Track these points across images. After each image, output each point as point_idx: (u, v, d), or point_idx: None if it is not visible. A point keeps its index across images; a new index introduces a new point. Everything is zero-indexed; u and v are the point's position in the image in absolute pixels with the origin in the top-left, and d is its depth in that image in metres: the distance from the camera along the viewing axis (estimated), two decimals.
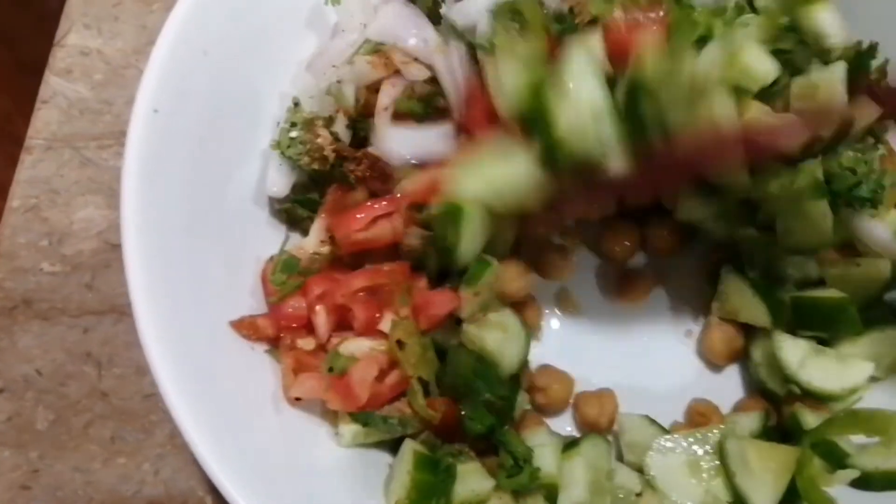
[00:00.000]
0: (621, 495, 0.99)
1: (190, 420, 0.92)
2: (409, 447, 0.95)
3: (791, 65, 0.98)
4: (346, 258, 1.04)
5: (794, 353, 1.02)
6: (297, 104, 1.10)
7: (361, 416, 0.96)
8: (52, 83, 1.37)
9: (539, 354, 1.16)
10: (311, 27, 1.18)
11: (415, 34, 1.08)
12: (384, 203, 1.01)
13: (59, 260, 1.27)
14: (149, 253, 0.97)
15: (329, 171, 1.06)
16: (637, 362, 1.16)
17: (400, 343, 0.94)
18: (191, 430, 0.91)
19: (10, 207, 1.30)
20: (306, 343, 1.00)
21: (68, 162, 1.32)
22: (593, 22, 0.94)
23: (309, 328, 1.02)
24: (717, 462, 1.00)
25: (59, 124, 1.34)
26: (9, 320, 1.24)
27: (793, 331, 1.05)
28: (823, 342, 1.05)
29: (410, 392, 0.96)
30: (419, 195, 0.99)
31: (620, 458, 1.08)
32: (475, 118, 0.99)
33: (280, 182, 1.10)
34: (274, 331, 1.01)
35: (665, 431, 1.06)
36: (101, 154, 1.33)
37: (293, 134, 1.07)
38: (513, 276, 1.06)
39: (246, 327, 1.00)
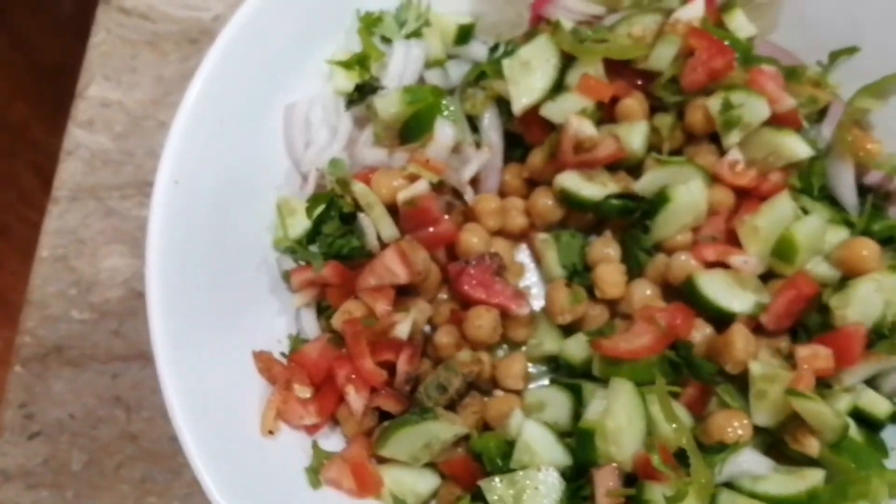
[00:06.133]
0: None
1: (207, 470, 0.99)
2: None
3: None
4: None
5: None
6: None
7: None
8: (75, 135, 1.44)
9: None
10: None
11: None
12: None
13: (88, 308, 1.34)
14: (170, 314, 1.05)
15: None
16: None
17: None
18: (207, 480, 0.98)
19: (39, 257, 1.37)
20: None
21: (93, 212, 1.39)
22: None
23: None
24: None
25: (84, 175, 1.41)
26: (42, 367, 1.32)
27: None
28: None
29: None
30: None
31: None
32: None
33: None
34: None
35: None
36: (124, 204, 1.39)
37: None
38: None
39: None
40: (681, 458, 1.04)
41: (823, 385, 1.10)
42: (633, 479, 1.05)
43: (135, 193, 1.40)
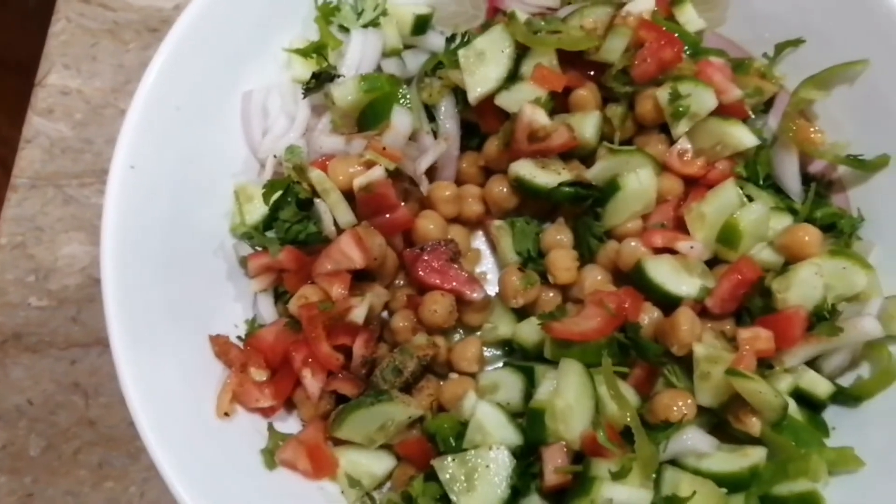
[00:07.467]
0: None
1: (163, 454, 1.00)
2: None
3: None
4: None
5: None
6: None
7: None
8: (35, 123, 1.44)
9: None
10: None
11: None
12: None
13: (46, 295, 1.35)
14: (126, 299, 1.06)
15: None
16: None
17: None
18: (164, 464, 1.00)
19: None
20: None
21: (52, 200, 1.39)
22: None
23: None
24: None
25: (43, 163, 1.41)
26: (0, 353, 1.32)
27: None
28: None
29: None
30: None
31: None
32: None
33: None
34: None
35: None
36: (83, 192, 1.40)
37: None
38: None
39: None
40: (627, 436, 1.07)
41: (766, 366, 1.14)
42: (582, 456, 1.08)
43: (94, 181, 1.40)
